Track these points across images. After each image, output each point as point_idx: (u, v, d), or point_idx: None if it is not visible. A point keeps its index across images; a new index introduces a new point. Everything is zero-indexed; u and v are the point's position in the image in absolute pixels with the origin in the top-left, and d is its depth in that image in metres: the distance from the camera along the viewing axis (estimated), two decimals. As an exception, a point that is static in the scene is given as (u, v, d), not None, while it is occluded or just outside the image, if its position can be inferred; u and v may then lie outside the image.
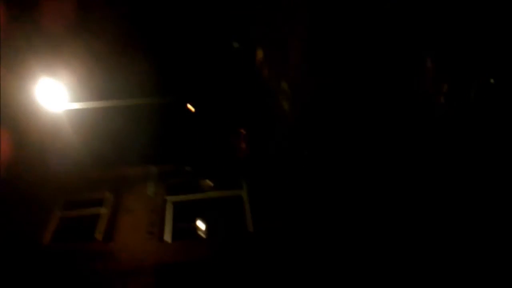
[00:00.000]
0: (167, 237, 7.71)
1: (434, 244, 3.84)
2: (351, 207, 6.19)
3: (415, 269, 4.59)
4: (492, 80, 2.34)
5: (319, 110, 7.10)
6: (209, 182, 8.88)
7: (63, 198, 8.76)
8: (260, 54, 9.69)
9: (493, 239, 2.89)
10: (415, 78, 3.54)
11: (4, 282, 6.89)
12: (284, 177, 8.29)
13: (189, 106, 10.10)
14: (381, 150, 4.99)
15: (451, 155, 3.29)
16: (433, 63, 3.17)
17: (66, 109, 8.28)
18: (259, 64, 9.67)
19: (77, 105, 8.36)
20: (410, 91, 3.69)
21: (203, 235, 7.93)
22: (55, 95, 8.06)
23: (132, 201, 8.49)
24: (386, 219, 4.91)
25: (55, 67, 8.29)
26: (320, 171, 7.51)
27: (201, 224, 8.08)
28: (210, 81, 9.76)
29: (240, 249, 7.38)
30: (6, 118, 8.37)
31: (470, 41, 2.67)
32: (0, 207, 7.91)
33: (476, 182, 3.14)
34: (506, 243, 2.69)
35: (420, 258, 4.33)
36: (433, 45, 3.23)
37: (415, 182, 4.46)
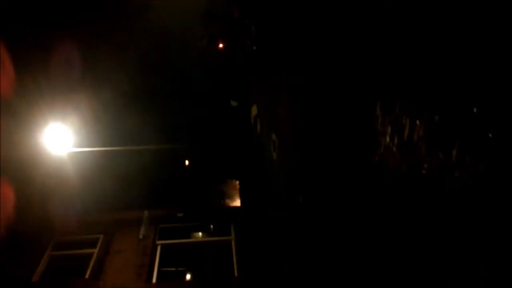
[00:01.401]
0: (155, 279, 7.88)
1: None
2: (339, 255, 6.41)
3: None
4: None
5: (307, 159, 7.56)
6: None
7: (57, 239, 8.99)
8: (254, 110, 10.39)
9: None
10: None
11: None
12: (271, 225, 8.56)
13: (185, 158, 10.66)
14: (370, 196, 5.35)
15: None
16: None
17: (69, 153, 8.79)
18: (253, 119, 10.35)
19: (80, 149, 8.89)
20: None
21: (190, 278, 8.08)
22: (61, 139, 8.61)
23: (123, 243, 8.70)
24: (375, 265, 5.11)
25: (63, 112, 8.92)
26: (307, 218, 7.80)
27: (188, 268, 8.26)
28: (208, 133, 10.39)
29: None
30: (11, 161, 8.82)
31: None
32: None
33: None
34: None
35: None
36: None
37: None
